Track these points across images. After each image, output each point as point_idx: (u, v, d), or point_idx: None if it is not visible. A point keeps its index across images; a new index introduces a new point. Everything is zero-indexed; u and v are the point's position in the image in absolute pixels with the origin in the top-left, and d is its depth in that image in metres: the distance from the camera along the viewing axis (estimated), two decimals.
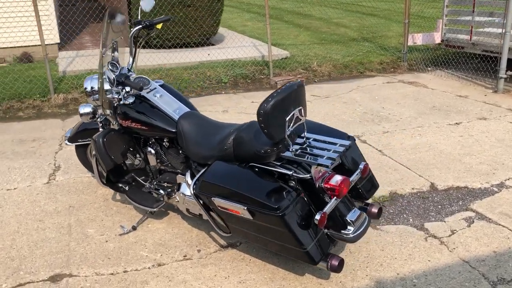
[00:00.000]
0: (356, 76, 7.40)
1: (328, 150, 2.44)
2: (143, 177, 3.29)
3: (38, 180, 3.98)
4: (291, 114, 2.39)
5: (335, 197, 2.41)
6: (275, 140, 2.40)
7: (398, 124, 5.09)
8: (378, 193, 3.61)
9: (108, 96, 3.08)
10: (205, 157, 2.75)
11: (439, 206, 3.46)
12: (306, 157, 2.39)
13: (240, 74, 7.08)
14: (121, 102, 3.03)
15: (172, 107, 2.99)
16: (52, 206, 3.55)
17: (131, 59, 3.30)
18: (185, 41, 8.13)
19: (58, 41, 7.85)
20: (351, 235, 2.48)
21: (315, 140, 2.56)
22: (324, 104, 5.90)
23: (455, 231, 3.14)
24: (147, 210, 3.19)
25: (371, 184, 2.80)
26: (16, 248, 3.04)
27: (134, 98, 3.01)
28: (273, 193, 2.33)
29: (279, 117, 2.35)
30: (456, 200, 3.54)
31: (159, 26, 3.39)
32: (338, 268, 2.39)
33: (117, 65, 3.16)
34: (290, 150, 2.45)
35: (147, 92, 3.03)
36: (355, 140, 2.79)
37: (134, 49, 3.30)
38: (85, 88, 3.26)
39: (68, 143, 3.52)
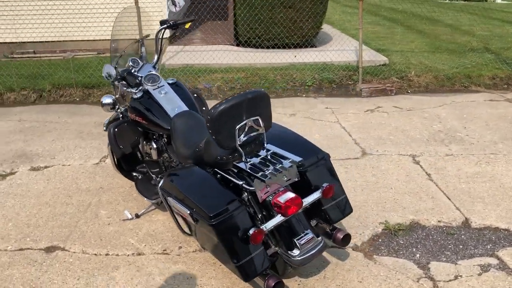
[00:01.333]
0: (457, 90, 6.71)
1: (279, 164, 2.32)
2: (156, 170, 3.46)
3: (90, 160, 4.42)
4: (242, 123, 2.32)
5: (280, 215, 2.29)
6: (225, 148, 2.35)
7: (469, 148, 4.52)
8: (395, 220, 3.30)
9: (124, 89, 3.30)
10: (183, 156, 2.80)
11: (461, 246, 3.03)
12: (254, 170, 2.30)
13: (327, 78, 6.90)
14: (132, 97, 3.23)
15: (172, 105, 3.09)
16: (86, 185, 3.92)
17: (156, 57, 3.48)
18: (285, 42, 8.17)
19: (168, 35, 8.49)
20: (297, 258, 2.33)
21: (273, 153, 2.44)
22: (400, 117, 5.48)
23: (459, 277, 2.72)
24: (148, 201, 3.35)
25: (339, 207, 2.57)
26: (37, 217, 3.44)
27: (142, 93, 3.18)
28: (214, 201, 2.29)
29: (228, 125, 2.29)
30: (486, 242, 3.06)
31: (187, 26, 3.52)
32: None
33: (139, 61, 3.37)
34: (244, 160, 2.37)
35: (154, 89, 3.17)
36: (328, 157, 2.58)
37: (159, 47, 3.48)
38: (113, 81, 3.53)
39: (105, 130, 3.84)
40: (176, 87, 3.26)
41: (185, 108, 3.10)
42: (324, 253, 2.94)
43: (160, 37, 3.48)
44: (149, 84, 3.19)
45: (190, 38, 9.16)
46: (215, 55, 7.56)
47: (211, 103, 6.25)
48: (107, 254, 3.00)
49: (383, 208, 3.46)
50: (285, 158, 2.40)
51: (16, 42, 8.56)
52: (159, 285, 2.70)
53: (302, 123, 5.36)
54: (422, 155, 4.39)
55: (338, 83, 6.89)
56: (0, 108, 6.30)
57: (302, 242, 2.35)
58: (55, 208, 3.56)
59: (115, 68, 3.27)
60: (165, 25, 3.42)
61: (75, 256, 2.98)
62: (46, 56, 8.19)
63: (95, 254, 3.00)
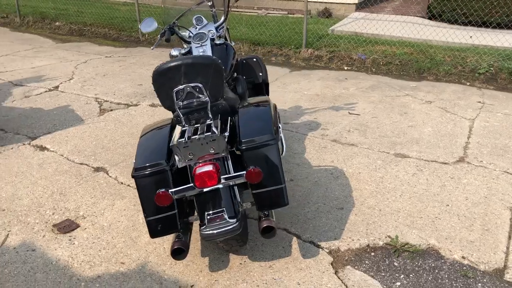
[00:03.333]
0: None
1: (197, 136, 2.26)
2: None
3: None
4: (180, 87, 2.31)
5: (191, 184, 2.26)
6: (167, 108, 2.41)
7: None
8: (410, 239, 2.78)
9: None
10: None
11: None
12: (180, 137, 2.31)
13: (507, 68, 5.71)
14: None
15: None
16: None
17: (223, 17, 3.59)
18: (483, 20, 6.98)
19: (356, 2, 8.20)
20: (202, 232, 2.28)
21: (208, 125, 2.35)
22: None
23: None
24: None
25: (270, 196, 2.30)
26: (114, 142, 4.08)
27: (188, 49, 3.36)
28: (145, 155, 2.38)
29: (166, 86, 2.33)
30: None
31: None
32: (174, 255, 2.29)
33: (203, 20, 3.54)
34: (182, 124, 2.38)
35: (196, 47, 3.31)
36: (275, 142, 2.32)
37: (227, 8, 3.56)
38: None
39: None
40: (220, 48, 3.32)
41: None
42: (294, 246, 2.73)
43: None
44: (195, 41, 3.34)
45: (383, 6, 8.63)
46: (395, 26, 7.03)
47: (360, 75, 5.96)
48: (128, 185, 3.41)
49: (410, 223, 2.92)
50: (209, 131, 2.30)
51: None
52: (136, 221, 2.98)
53: (428, 112, 4.69)
54: None
55: None
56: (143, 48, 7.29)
57: (210, 218, 2.27)
58: (133, 139, 4.14)
59: (174, 23, 3.52)
60: None
61: (107, 180, 3.49)
62: (244, 11, 8.95)
63: (121, 183, 3.45)
